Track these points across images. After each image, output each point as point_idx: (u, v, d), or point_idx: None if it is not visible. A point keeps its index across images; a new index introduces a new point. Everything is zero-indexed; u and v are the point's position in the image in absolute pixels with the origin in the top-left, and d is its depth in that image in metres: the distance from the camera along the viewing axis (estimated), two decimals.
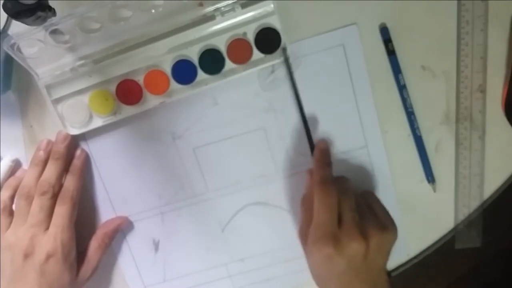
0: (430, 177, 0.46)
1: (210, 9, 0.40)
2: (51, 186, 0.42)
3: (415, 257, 0.48)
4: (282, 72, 0.44)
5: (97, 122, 0.44)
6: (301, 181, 0.46)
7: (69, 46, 0.41)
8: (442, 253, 0.48)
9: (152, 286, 0.50)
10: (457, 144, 0.46)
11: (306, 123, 0.44)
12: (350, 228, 0.38)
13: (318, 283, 0.41)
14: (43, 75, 0.42)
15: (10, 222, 0.43)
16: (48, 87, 0.42)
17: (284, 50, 0.41)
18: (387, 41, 0.43)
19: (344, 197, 0.40)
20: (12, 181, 0.45)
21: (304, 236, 0.41)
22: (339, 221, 0.39)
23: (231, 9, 0.41)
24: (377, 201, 0.44)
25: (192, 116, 0.45)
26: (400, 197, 0.47)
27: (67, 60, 0.42)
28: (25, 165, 0.47)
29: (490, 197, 0.47)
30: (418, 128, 0.45)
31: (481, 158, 0.46)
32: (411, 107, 0.45)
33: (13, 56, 0.39)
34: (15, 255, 0.42)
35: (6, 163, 0.46)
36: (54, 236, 0.42)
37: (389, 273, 0.44)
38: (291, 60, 0.43)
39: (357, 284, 0.38)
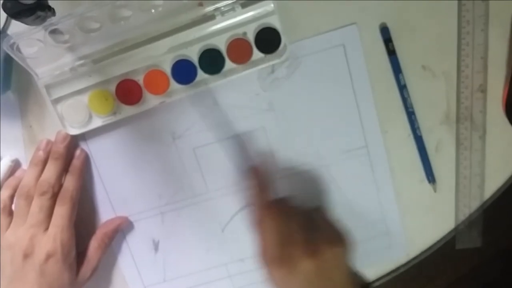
0: (430, 177, 0.46)
1: (210, 9, 0.40)
2: (50, 186, 0.42)
3: (415, 258, 0.48)
4: (282, 72, 0.44)
5: (97, 122, 0.44)
6: (301, 180, 0.46)
7: (69, 46, 0.41)
8: (442, 254, 0.48)
9: (152, 286, 0.50)
10: (458, 144, 0.46)
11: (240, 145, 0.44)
12: (298, 247, 0.38)
13: None
14: (43, 75, 0.42)
15: (10, 222, 0.43)
16: (48, 87, 0.42)
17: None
18: (388, 41, 0.43)
19: (289, 218, 0.40)
20: (11, 181, 0.45)
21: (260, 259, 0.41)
22: (287, 241, 0.39)
23: (231, 9, 0.41)
24: (325, 216, 0.43)
25: (192, 116, 0.45)
26: (400, 197, 0.47)
27: (67, 60, 0.42)
28: (25, 165, 0.47)
29: (491, 197, 0.47)
30: (418, 128, 0.45)
31: (482, 158, 0.46)
32: (412, 107, 0.44)
33: (12, 56, 0.39)
34: (15, 255, 0.42)
35: (5, 163, 0.46)
36: (54, 236, 0.42)
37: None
38: (290, 61, 0.43)
39: None
